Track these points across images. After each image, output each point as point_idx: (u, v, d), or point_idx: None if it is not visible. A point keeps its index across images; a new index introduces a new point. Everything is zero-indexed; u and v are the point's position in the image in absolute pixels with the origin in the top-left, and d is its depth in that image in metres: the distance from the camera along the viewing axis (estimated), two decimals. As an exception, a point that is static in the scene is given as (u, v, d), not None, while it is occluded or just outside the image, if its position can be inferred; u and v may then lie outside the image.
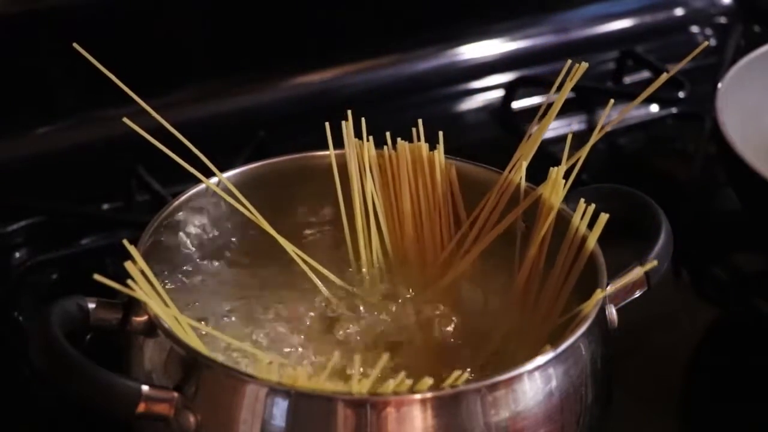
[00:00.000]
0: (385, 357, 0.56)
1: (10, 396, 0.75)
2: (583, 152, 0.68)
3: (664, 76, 0.68)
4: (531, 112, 1.06)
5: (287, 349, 0.67)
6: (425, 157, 0.72)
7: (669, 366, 0.80)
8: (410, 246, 0.74)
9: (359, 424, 0.56)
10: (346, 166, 0.72)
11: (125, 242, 0.61)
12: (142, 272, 0.60)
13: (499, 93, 1.10)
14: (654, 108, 1.08)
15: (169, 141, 0.68)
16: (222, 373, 0.58)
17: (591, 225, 0.67)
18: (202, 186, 0.71)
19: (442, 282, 0.71)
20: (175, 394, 0.58)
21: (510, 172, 0.70)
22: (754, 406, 0.77)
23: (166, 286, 0.69)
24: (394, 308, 0.70)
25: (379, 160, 0.73)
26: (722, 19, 1.25)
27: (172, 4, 1.01)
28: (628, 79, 1.12)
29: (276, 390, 0.56)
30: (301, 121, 1.03)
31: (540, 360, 0.58)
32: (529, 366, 0.58)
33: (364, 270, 0.72)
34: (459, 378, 0.56)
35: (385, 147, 0.73)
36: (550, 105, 0.69)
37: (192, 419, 0.58)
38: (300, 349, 0.67)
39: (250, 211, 0.70)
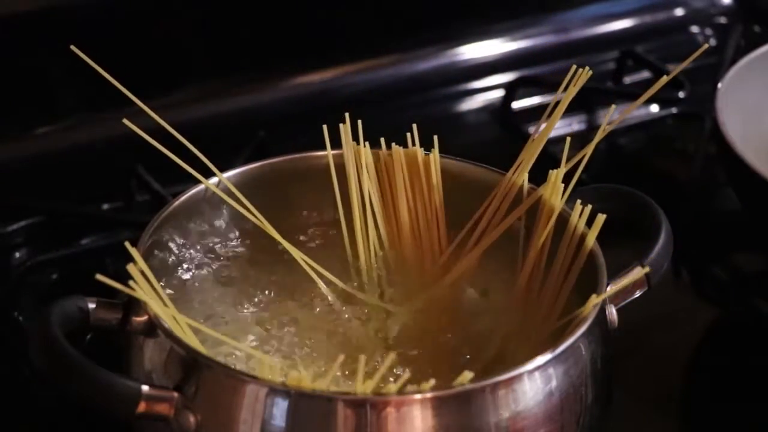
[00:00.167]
0: (392, 356, 0.56)
1: (10, 396, 0.75)
2: (587, 153, 0.68)
3: (664, 79, 0.68)
4: (531, 112, 1.07)
5: (285, 349, 0.67)
6: (420, 162, 0.72)
7: (669, 366, 0.80)
8: (409, 247, 0.73)
9: (359, 424, 0.56)
10: (344, 166, 0.72)
11: (127, 244, 0.61)
12: (143, 273, 0.60)
13: (499, 93, 1.10)
14: (654, 108, 1.08)
15: (169, 141, 0.68)
16: (222, 373, 0.58)
17: (590, 225, 0.67)
18: (202, 186, 0.71)
19: (443, 283, 0.71)
20: (175, 394, 0.58)
21: (513, 173, 0.70)
22: (754, 406, 0.77)
23: (166, 288, 0.69)
24: (394, 309, 0.70)
25: (377, 165, 0.73)
26: (722, 19, 1.25)
27: (172, 4, 1.01)
28: (628, 79, 1.12)
29: (276, 390, 0.56)
30: (301, 121, 1.03)
31: (540, 360, 0.58)
32: (529, 366, 0.58)
33: (363, 271, 0.72)
34: (464, 379, 0.57)
35: (380, 152, 0.73)
36: (554, 106, 0.69)
37: (192, 419, 0.58)
38: (299, 350, 0.67)
39: (252, 213, 0.69)
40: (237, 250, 0.73)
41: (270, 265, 0.72)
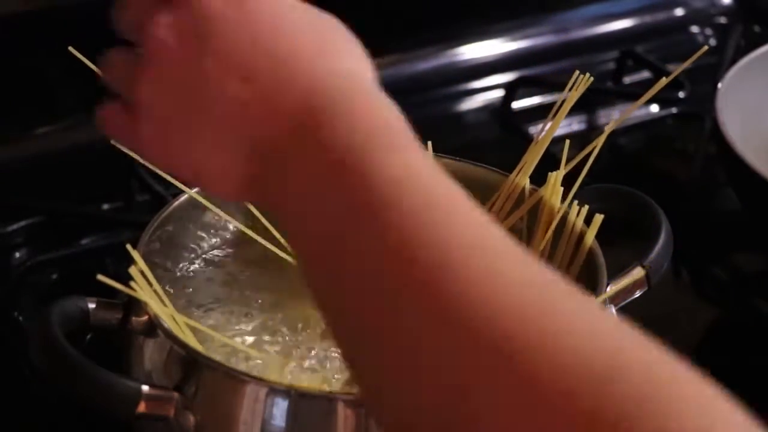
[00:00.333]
0: None
1: (10, 396, 0.75)
2: (591, 156, 0.68)
3: (663, 81, 0.68)
4: (531, 112, 1.07)
5: (285, 349, 0.67)
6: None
7: (669, 366, 0.80)
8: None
9: (359, 424, 0.56)
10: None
11: (128, 246, 0.61)
12: (143, 273, 0.60)
13: (499, 93, 1.10)
14: (654, 108, 1.08)
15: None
16: (222, 373, 0.58)
17: (589, 224, 0.67)
18: (202, 186, 0.71)
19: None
20: (175, 394, 0.58)
21: (516, 176, 0.70)
22: (754, 406, 0.77)
23: (166, 287, 0.69)
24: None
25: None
26: (722, 19, 1.25)
27: (172, 4, 1.01)
28: (628, 79, 1.12)
29: (276, 390, 0.56)
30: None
31: (540, 360, 0.58)
32: (529, 366, 0.58)
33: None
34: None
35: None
36: (556, 110, 0.69)
37: (192, 419, 0.58)
38: (298, 350, 0.67)
39: (253, 216, 0.70)
40: (237, 250, 0.72)
41: (270, 265, 0.72)
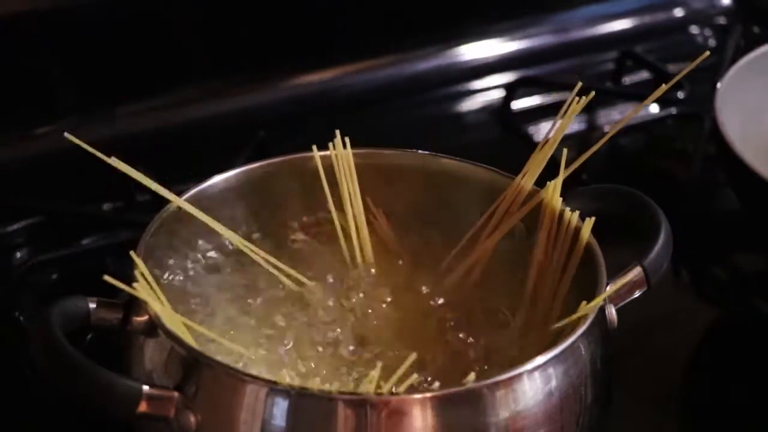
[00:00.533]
0: (413, 356, 0.56)
1: (10, 396, 0.75)
2: (585, 156, 0.68)
3: (663, 88, 0.68)
4: (531, 113, 1.07)
5: (285, 349, 0.67)
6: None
7: (669, 366, 0.80)
8: (408, 250, 0.74)
9: (359, 424, 0.56)
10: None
11: (132, 253, 0.61)
12: (143, 275, 0.60)
13: (499, 93, 1.10)
14: (654, 108, 1.08)
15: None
16: (222, 373, 0.58)
17: (591, 227, 0.67)
18: (203, 186, 0.71)
19: (444, 285, 0.72)
20: (176, 394, 0.58)
21: (522, 178, 0.70)
22: (754, 406, 0.77)
23: (167, 283, 0.69)
24: (392, 310, 0.70)
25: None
26: (722, 19, 1.25)
27: (172, 4, 1.01)
28: (627, 79, 1.12)
29: (276, 390, 0.56)
30: (301, 121, 1.03)
31: (540, 360, 0.58)
32: (529, 366, 0.58)
33: (362, 272, 0.73)
34: (468, 380, 0.57)
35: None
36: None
37: (192, 419, 0.58)
38: (294, 354, 0.67)
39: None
40: (237, 250, 0.72)
41: (274, 263, 0.72)
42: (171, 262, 0.70)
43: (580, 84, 0.69)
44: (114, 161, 0.65)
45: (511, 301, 0.69)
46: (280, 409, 0.56)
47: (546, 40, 1.17)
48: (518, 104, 1.08)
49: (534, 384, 0.58)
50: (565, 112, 0.68)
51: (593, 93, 0.69)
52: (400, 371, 0.56)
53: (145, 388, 0.57)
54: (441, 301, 0.71)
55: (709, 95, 0.89)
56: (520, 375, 0.58)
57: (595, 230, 0.67)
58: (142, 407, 0.57)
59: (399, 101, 1.09)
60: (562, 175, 0.68)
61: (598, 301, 0.62)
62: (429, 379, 0.64)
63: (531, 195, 0.70)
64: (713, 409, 0.77)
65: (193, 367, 0.58)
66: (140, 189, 0.89)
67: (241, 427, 0.57)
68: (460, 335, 0.68)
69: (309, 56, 1.08)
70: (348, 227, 0.73)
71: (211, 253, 0.72)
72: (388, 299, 0.71)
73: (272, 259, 0.71)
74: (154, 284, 0.61)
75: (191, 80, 1.04)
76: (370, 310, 0.70)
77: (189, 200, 0.69)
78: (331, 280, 0.72)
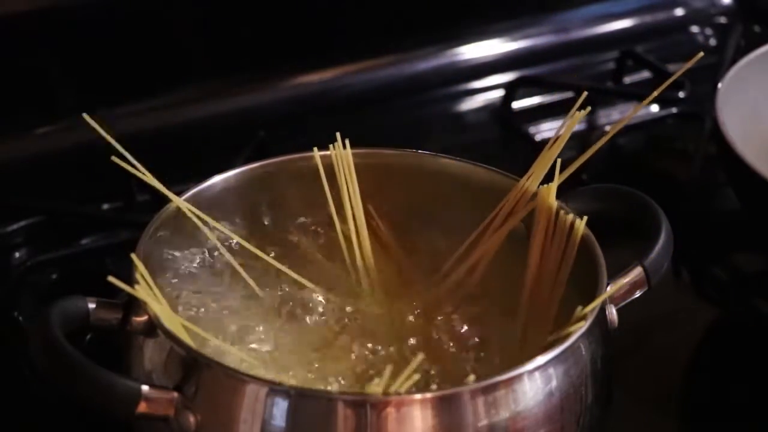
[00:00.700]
0: (420, 357, 0.56)
1: (10, 396, 0.75)
2: (583, 158, 0.68)
3: (653, 95, 0.67)
4: (531, 112, 1.07)
5: (286, 350, 0.67)
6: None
7: (669, 366, 0.80)
8: (408, 250, 0.74)
9: (359, 424, 0.56)
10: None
11: (133, 256, 0.61)
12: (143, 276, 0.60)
13: (499, 93, 1.10)
14: (654, 108, 1.08)
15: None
16: (222, 373, 0.58)
17: (591, 227, 0.67)
18: (202, 185, 0.71)
19: (444, 285, 0.72)
20: (175, 394, 0.58)
21: (527, 180, 0.70)
22: (754, 406, 0.77)
23: (167, 283, 0.69)
24: (392, 311, 0.70)
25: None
26: (722, 19, 1.25)
27: (172, 4, 1.01)
28: (628, 79, 1.12)
29: (276, 390, 0.56)
30: (301, 121, 1.03)
31: (540, 360, 0.58)
32: (529, 366, 0.58)
33: (361, 272, 0.73)
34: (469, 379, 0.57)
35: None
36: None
37: (192, 419, 0.58)
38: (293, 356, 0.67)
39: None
40: (236, 250, 0.72)
41: (270, 265, 0.72)
42: (170, 262, 0.70)
43: (585, 94, 0.69)
44: (117, 161, 0.64)
45: (511, 302, 0.69)
46: (280, 409, 0.56)
47: (546, 40, 1.17)
48: (518, 104, 1.08)
49: (534, 384, 0.58)
50: (571, 114, 0.68)
51: (589, 108, 0.69)
52: (407, 371, 0.55)
53: (145, 388, 0.57)
54: (441, 301, 0.71)
55: (710, 95, 0.89)
56: (520, 375, 0.58)
57: (595, 230, 0.67)
58: (142, 407, 0.57)
59: (399, 101, 1.09)
60: (557, 180, 0.68)
61: (598, 302, 0.62)
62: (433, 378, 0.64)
63: (533, 196, 0.70)
64: (713, 409, 0.77)
65: (192, 368, 0.58)
66: (140, 189, 0.90)
67: (241, 427, 0.57)
68: (461, 336, 0.68)
69: (309, 56, 1.08)
70: (348, 228, 0.73)
71: (211, 253, 0.72)
72: (388, 300, 0.71)
73: (271, 261, 0.71)
74: (153, 285, 0.61)
75: (191, 80, 1.04)
76: (369, 311, 0.70)
77: (189, 200, 0.69)
78: (330, 281, 0.72)
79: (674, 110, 1.07)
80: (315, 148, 0.72)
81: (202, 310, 0.69)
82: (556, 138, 0.68)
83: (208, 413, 0.58)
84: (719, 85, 0.89)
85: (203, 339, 0.63)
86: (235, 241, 0.72)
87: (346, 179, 0.72)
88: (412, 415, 0.56)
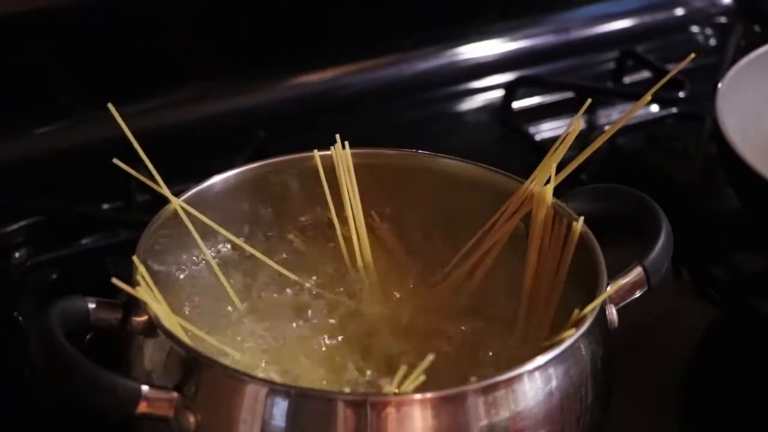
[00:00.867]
0: (430, 357, 0.56)
1: (10, 396, 0.75)
2: (581, 158, 0.68)
3: (647, 98, 0.68)
4: (531, 112, 1.07)
5: (284, 350, 0.67)
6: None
7: (669, 366, 0.80)
8: (408, 250, 0.74)
9: (359, 424, 0.56)
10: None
11: (134, 258, 0.61)
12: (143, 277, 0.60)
13: (499, 93, 1.10)
14: (654, 108, 1.08)
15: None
16: (222, 373, 0.58)
17: (591, 227, 0.67)
18: (202, 185, 0.71)
19: (445, 285, 0.72)
20: (175, 394, 0.58)
21: (531, 183, 0.70)
22: (754, 406, 0.77)
23: (167, 283, 0.69)
24: (392, 311, 0.70)
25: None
26: (722, 19, 1.25)
27: (172, 4, 1.01)
28: (628, 79, 1.12)
29: (276, 390, 0.56)
30: (301, 121, 1.03)
31: (540, 360, 0.58)
32: (529, 366, 0.58)
33: (362, 272, 0.73)
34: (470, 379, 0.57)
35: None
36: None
37: (192, 419, 0.58)
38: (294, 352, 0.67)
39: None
40: (236, 249, 0.72)
41: (269, 265, 0.72)
42: (170, 261, 0.70)
43: (589, 101, 0.69)
44: (118, 163, 0.64)
45: (511, 302, 0.69)
46: (280, 409, 0.56)
47: (546, 40, 1.17)
48: (518, 104, 1.08)
49: (534, 384, 0.58)
50: (572, 123, 0.68)
51: (589, 100, 0.69)
52: (417, 371, 0.55)
53: (145, 388, 0.57)
54: (441, 301, 0.71)
55: (710, 95, 0.88)
56: (520, 375, 0.58)
57: (595, 230, 0.67)
58: (142, 407, 0.57)
59: (399, 101, 1.09)
60: (554, 182, 0.68)
61: (598, 302, 0.62)
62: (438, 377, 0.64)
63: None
64: (713, 409, 0.77)
65: (192, 368, 0.58)
66: (140, 189, 0.90)
67: (241, 427, 0.57)
68: (461, 336, 0.68)
69: (309, 56, 1.08)
70: (348, 228, 0.72)
71: (211, 254, 0.72)
72: (388, 300, 0.71)
73: (270, 262, 0.71)
74: (152, 286, 0.61)
75: (191, 80, 1.04)
76: (369, 311, 0.70)
77: (189, 200, 0.69)
78: (330, 282, 0.72)
79: (674, 110, 1.07)
80: (315, 151, 0.72)
81: (201, 310, 0.69)
82: (558, 145, 0.68)
83: (208, 413, 0.58)
84: (719, 85, 0.89)
85: (202, 339, 0.63)
86: (235, 241, 0.72)
87: (345, 180, 0.72)
88: (412, 415, 0.56)
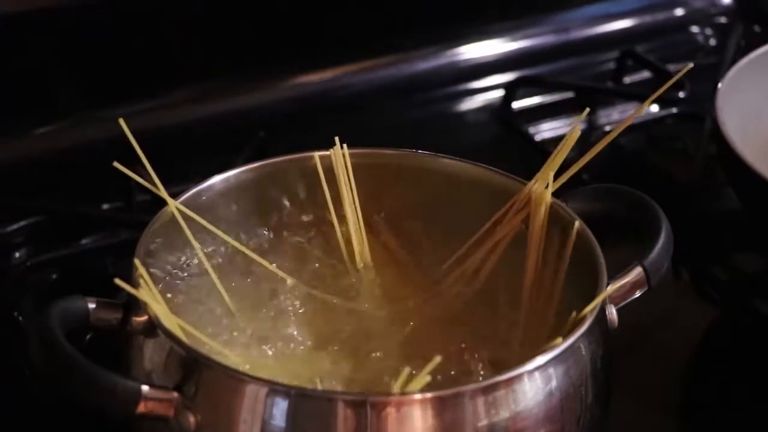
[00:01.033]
0: (437, 359, 0.56)
1: (10, 396, 0.75)
2: (582, 161, 0.68)
3: (644, 105, 0.68)
4: (531, 112, 1.07)
5: (281, 354, 0.67)
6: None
7: (669, 366, 0.80)
8: (407, 251, 0.74)
9: (359, 424, 0.56)
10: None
11: (136, 261, 0.61)
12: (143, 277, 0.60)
13: (499, 93, 1.10)
14: (654, 108, 1.08)
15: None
16: (222, 373, 0.58)
17: (591, 227, 0.67)
18: (202, 185, 0.71)
19: (445, 286, 0.72)
20: (175, 394, 0.58)
21: (534, 184, 0.70)
22: (754, 406, 0.77)
23: (166, 282, 0.69)
24: (392, 311, 0.70)
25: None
26: (722, 19, 1.25)
27: (171, 4, 1.01)
28: (628, 79, 1.12)
29: (276, 390, 0.56)
30: (301, 121, 1.03)
31: (540, 360, 0.58)
32: (529, 366, 0.58)
33: (362, 273, 0.73)
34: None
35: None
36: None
37: (192, 419, 0.58)
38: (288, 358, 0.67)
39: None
40: (236, 250, 0.72)
41: (269, 265, 0.72)
42: (170, 261, 0.70)
43: (587, 110, 0.69)
44: (119, 166, 0.64)
45: (511, 302, 0.69)
46: (280, 409, 0.56)
47: (546, 40, 1.17)
48: (518, 104, 1.08)
49: (534, 384, 0.58)
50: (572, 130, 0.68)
51: (588, 110, 0.69)
52: (424, 372, 0.55)
53: (145, 388, 0.57)
54: (441, 302, 0.71)
55: (710, 95, 0.88)
56: (520, 375, 0.58)
57: (595, 230, 0.67)
58: (142, 407, 0.57)
59: (399, 101, 1.09)
60: (551, 187, 0.68)
61: (598, 301, 0.62)
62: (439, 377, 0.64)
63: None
64: (713, 409, 0.77)
65: (192, 368, 0.58)
66: (140, 189, 0.90)
67: (241, 427, 0.57)
68: (461, 336, 0.68)
69: (309, 56, 1.08)
70: (347, 229, 0.72)
71: (211, 254, 0.72)
72: (388, 300, 0.71)
73: (268, 264, 0.71)
74: (152, 286, 0.61)
75: (191, 80, 1.04)
76: (369, 312, 0.70)
77: (188, 200, 0.69)
78: (330, 282, 0.72)
79: (674, 110, 1.07)
80: (315, 154, 0.72)
81: (200, 310, 0.69)
82: (556, 154, 0.68)
83: (208, 413, 0.58)
84: (719, 85, 0.89)
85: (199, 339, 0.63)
86: (230, 242, 0.72)
87: (345, 182, 0.72)
88: (412, 415, 0.56)
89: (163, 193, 0.66)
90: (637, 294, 0.67)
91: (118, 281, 0.58)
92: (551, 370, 0.59)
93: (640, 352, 0.80)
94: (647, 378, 0.77)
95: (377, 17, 1.10)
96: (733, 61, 0.95)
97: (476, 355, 0.66)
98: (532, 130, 1.04)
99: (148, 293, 0.60)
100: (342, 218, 0.72)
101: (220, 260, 0.72)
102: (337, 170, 0.72)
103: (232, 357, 0.64)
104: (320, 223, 0.74)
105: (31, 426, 0.74)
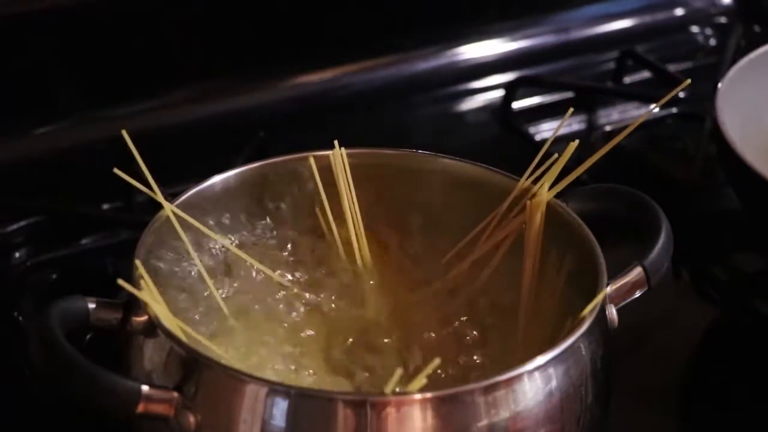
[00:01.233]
0: (437, 361, 0.56)
1: (10, 396, 0.75)
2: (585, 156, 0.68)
3: (656, 104, 0.68)
4: (531, 112, 1.07)
5: (281, 354, 0.67)
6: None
7: (669, 366, 0.80)
8: (407, 251, 0.74)
9: (359, 424, 0.56)
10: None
11: (137, 262, 0.61)
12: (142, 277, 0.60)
13: (499, 93, 1.10)
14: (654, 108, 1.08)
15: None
16: (222, 373, 0.58)
17: (591, 227, 0.67)
18: (202, 186, 0.71)
19: (445, 286, 0.72)
20: (175, 394, 0.58)
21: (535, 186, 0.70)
22: (754, 406, 0.77)
23: (166, 282, 0.69)
24: (392, 311, 0.70)
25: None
26: (722, 19, 1.25)
27: (171, 4, 1.01)
28: (628, 79, 1.12)
29: (276, 390, 0.56)
30: (301, 121, 1.03)
31: (540, 360, 0.58)
32: (529, 366, 0.58)
33: (361, 273, 0.73)
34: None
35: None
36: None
37: (192, 419, 0.58)
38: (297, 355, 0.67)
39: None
40: (236, 249, 0.72)
41: (270, 264, 0.72)
42: (170, 261, 0.70)
43: (571, 110, 0.69)
44: (118, 172, 0.64)
45: (511, 301, 0.69)
46: (280, 409, 0.56)
47: (546, 40, 1.17)
48: (518, 104, 1.08)
49: (534, 384, 0.58)
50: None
51: (578, 141, 0.69)
52: (423, 373, 0.55)
53: (145, 388, 0.57)
54: (441, 301, 0.71)
55: (710, 95, 0.88)
56: (520, 375, 0.58)
57: (595, 230, 0.67)
58: (142, 407, 0.57)
59: (399, 101, 1.09)
60: (546, 197, 0.68)
61: (598, 301, 0.62)
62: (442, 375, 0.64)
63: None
64: (713, 409, 0.77)
65: (192, 368, 0.58)
66: (140, 189, 0.90)
67: (241, 427, 0.57)
68: (460, 336, 0.68)
69: (309, 56, 1.08)
70: (347, 229, 0.72)
71: (210, 254, 0.72)
72: (388, 301, 0.71)
73: (265, 269, 0.71)
74: (152, 286, 0.61)
75: (191, 80, 1.04)
76: (369, 312, 0.70)
77: (188, 201, 0.69)
78: (330, 283, 0.72)
79: (674, 110, 1.07)
80: (311, 158, 0.72)
81: (200, 309, 0.69)
82: (551, 163, 0.68)
83: (208, 413, 0.58)
84: (719, 85, 0.89)
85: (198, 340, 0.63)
86: (235, 241, 0.72)
87: (344, 184, 0.72)
88: (412, 415, 0.56)
89: (159, 197, 0.66)
90: (637, 294, 0.67)
91: (120, 281, 0.58)
92: (551, 370, 0.59)
93: (640, 352, 0.80)
94: (647, 378, 0.77)
95: (377, 17, 1.10)
96: (733, 61, 0.95)
97: (476, 355, 0.66)
98: (532, 130, 1.04)
99: (148, 293, 0.60)
100: (342, 219, 0.72)
101: (221, 261, 0.72)
102: (336, 174, 0.72)
103: (230, 357, 0.64)
104: (320, 224, 0.74)
105: (31, 426, 0.74)
